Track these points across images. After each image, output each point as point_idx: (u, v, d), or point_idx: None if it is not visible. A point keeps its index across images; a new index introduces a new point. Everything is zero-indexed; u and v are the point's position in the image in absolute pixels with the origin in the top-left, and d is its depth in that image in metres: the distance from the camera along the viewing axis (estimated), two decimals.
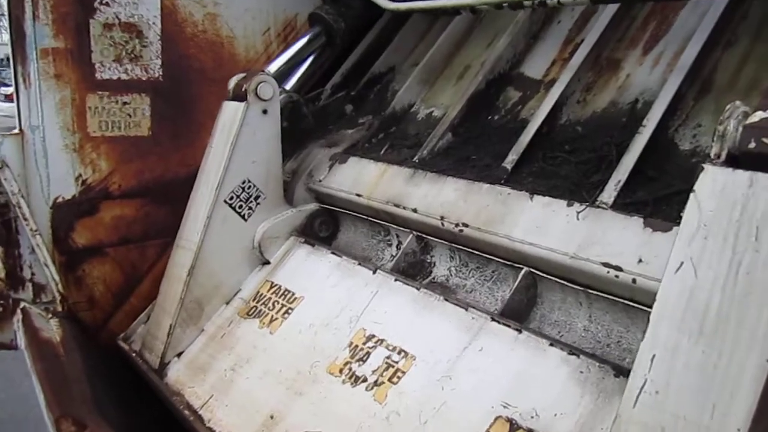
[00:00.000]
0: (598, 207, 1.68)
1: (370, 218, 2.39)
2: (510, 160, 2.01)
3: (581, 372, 1.50)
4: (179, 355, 2.46)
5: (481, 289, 2.00)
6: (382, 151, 2.50)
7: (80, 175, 2.76)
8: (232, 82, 2.49)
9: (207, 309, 2.51)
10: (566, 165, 1.92)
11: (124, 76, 2.79)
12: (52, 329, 2.61)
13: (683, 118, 1.83)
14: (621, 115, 1.98)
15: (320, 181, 2.56)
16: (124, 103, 2.81)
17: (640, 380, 1.18)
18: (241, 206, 2.47)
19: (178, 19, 2.86)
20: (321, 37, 2.91)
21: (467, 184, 2.03)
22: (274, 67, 2.79)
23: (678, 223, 1.49)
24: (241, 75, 2.49)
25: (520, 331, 1.67)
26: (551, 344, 1.60)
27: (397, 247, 2.33)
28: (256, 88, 2.38)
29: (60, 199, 2.74)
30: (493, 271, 1.99)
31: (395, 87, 2.93)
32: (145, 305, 3.00)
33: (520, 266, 1.82)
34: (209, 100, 2.92)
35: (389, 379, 1.81)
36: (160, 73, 2.86)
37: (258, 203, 2.50)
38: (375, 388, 1.82)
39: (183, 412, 2.20)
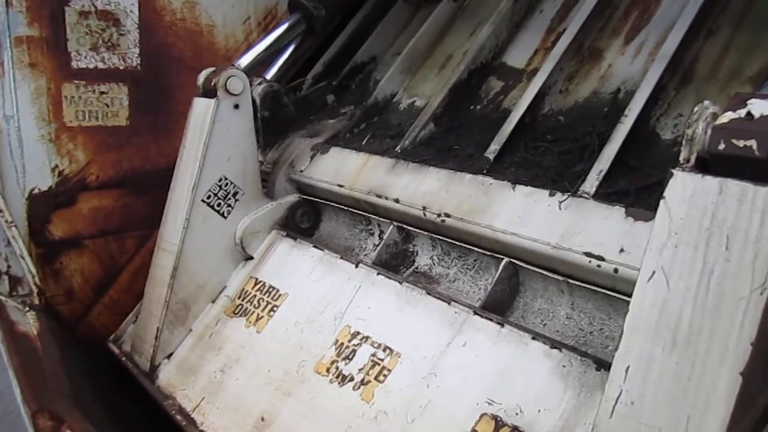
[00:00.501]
0: (580, 197, 1.68)
1: (351, 209, 2.37)
2: (492, 150, 2.00)
3: (563, 366, 1.51)
4: (169, 356, 2.44)
5: (464, 278, 2.00)
6: (364, 141, 2.48)
7: (57, 166, 2.72)
8: (201, 77, 2.42)
9: (193, 309, 2.48)
10: (548, 155, 1.92)
11: (101, 65, 2.74)
12: (29, 323, 2.57)
13: (665, 107, 1.83)
14: (603, 105, 1.98)
15: (301, 171, 2.54)
16: (102, 93, 2.76)
17: (616, 391, 1.18)
18: (219, 204, 2.43)
19: (156, 7, 2.82)
20: (301, 25, 2.85)
21: (449, 174, 2.02)
22: (252, 54, 2.74)
23: None
24: (210, 69, 2.43)
25: (502, 325, 1.67)
26: (533, 338, 1.60)
27: (379, 236, 2.31)
28: (225, 83, 2.32)
29: (36, 191, 2.69)
30: (474, 260, 1.98)
31: (377, 77, 2.91)
32: (125, 298, 2.97)
33: (501, 257, 1.81)
34: (188, 89, 2.87)
35: (375, 378, 1.82)
36: (138, 62, 2.82)
37: (237, 200, 2.46)
38: (362, 387, 1.83)
39: (175, 416, 2.19)
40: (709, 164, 1.13)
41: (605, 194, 1.66)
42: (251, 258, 2.49)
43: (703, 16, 1.88)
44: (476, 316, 1.73)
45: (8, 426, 2.33)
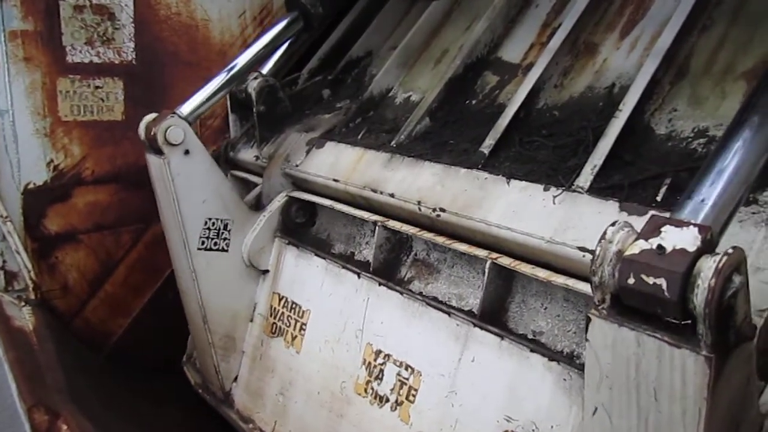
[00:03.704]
0: (575, 191, 1.68)
1: (344, 203, 2.37)
2: (487, 145, 2.00)
3: (564, 380, 1.57)
4: (235, 379, 2.67)
5: (461, 262, 2.01)
6: (360, 136, 2.48)
7: (52, 161, 2.72)
8: (142, 127, 2.38)
9: (237, 335, 2.62)
10: (543, 149, 1.92)
11: (96, 60, 2.74)
12: (24, 317, 2.57)
13: (659, 102, 1.83)
14: (598, 100, 1.97)
15: (297, 166, 2.54)
16: (97, 87, 2.76)
17: None
18: (216, 243, 2.46)
19: (151, 1, 2.82)
20: (298, 22, 2.85)
21: (444, 169, 2.02)
22: (249, 54, 2.73)
23: (654, 207, 1.52)
24: (151, 117, 2.38)
25: (502, 338, 1.74)
26: (532, 350, 1.66)
27: (373, 222, 2.31)
28: (165, 136, 2.29)
29: (31, 185, 2.70)
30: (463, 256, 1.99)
31: (373, 71, 2.90)
32: (121, 292, 2.98)
33: (485, 258, 1.82)
34: (183, 83, 2.88)
35: (406, 398, 1.97)
36: (133, 56, 2.81)
37: (229, 230, 2.48)
38: (398, 407, 2.00)
39: None
40: (621, 298, 1.07)
41: (599, 189, 1.66)
42: (267, 271, 2.58)
43: (698, 10, 1.88)
44: (476, 329, 1.81)
45: (4, 421, 2.32)
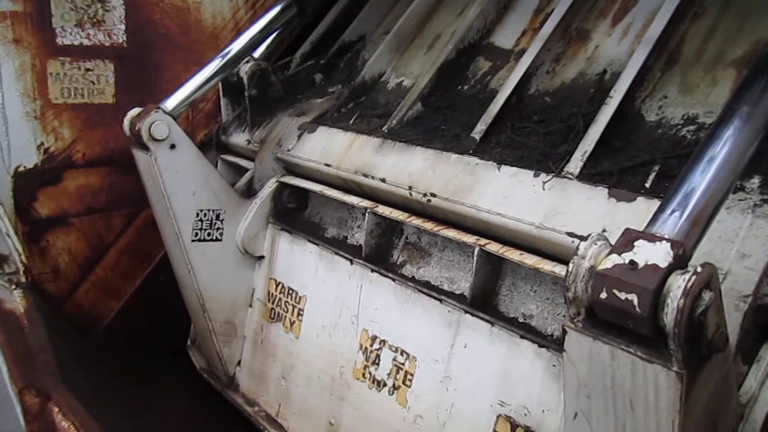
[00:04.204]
0: (564, 177, 1.69)
1: (336, 188, 2.38)
2: (479, 130, 2.00)
3: (554, 366, 1.61)
4: (239, 363, 2.73)
5: (452, 245, 2.02)
6: (352, 121, 2.48)
7: (42, 144, 2.70)
8: (127, 121, 2.38)
9: (237, 321, 2.67)
10: (534, 135, 1.92)
11: (86, 42, 2.72)
12: (15, 300, 2.57)
13: (650, 89, 1.83)
14: (589, 86, 1.98)
15: (289, 150, 2.54)
16: (87, 70, 2.74)
17: None
18: (209, 234, 2.48)
19: None
20: (292, 8, 2.83)
21: (435, 154, 2.03)
22: (243, 41, 2.71)
23: (642, 194, 1.53)
24: (135, 112, 2.38)
25: (492, 324, 1.77)
26: (522, 337, 1.69)
27: (363, 209, 2.31)
28: (149, 132, 2.28)
29: (21, 168, 2.68)
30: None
31: (365, 56, 2.89)
32: (112, 276, 2.97)
33: (473, 245, 1.83)
34: (175, 66, 2.86)
35: (403, 383, 2.02)
36: (124, 38, 2.79)
37: (222, 219, 2.50)
38: (395, 392, 2.04)
39: (262, 422, 2.52)
40: (594, 311, 1.08)
41: (589, 175, 1.67)
42: (263, 257, 2.61)
43: None
44: (468, 315, 1.84)
45: None
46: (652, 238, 1.05)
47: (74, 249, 2.89)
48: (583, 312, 1.10)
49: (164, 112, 2.36)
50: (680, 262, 1.01)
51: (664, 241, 1.03)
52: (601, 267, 1.05)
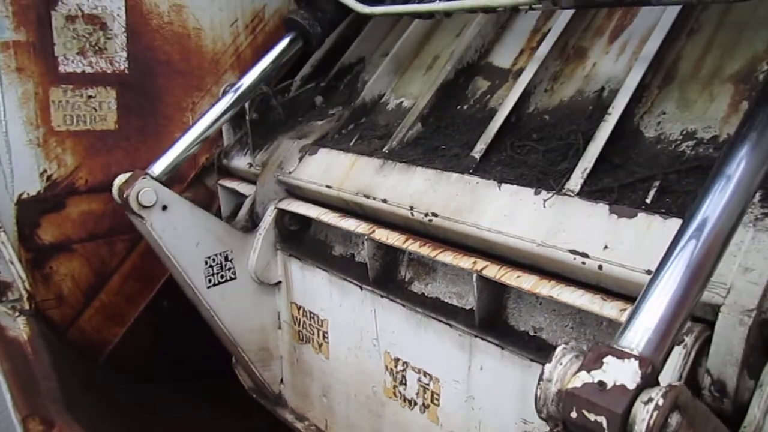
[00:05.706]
0: (565, 195, 1.69)
1: (337, 209, 2.39)
2: (479, 149, 2.01)
3: None
4: (282, 381, 2.85)
5: (452, 275, 2.02)
6: (352, 142, 2.49)
7: (45, 171, 2.72)
8: (116, 188, 2.39)
9: (270, 345, 2.77)
10: (534, 153, 1.93)
11: (88, 69, 2.74)
12: (19, 328, 2.56)
13: (648, 106, 1.84)
14: (587, 104, 1.99)
15: (290, 173, 2.55)
16: (89, 97, 2.76)
17: None
18: (222, 275, 2.52)
19: (143, 11, 2.82)
20: (297, 42, 2.82)
21: (436, 174, 2.04)
22: (251, 77, 2.72)
23: (643, 209, 1.53)
24: (123, 178, 2.39)
25: (502, 348, 1.80)
26: (532, 360, 1.71)
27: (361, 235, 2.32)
28: (137, 200, 2.29)
29: (25, 195, 2.69)
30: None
31: (365, 77, 2.91)
32: (116, 301, 2.97)
33: (471, 271, 1.83)
34: (176, 92, 2.88)
35: (432, 402, 2.08)
36: (126, 65, 2.82)
37: (231, 259, 2.54)
38: (426, 410, 2.11)
39: None
40: (567, 426, 1.08)
41: (589, 192, 1.67)
42: (279, 282, 2.67)
43: (685, 14, 1.90)
44: (478, 339, 1.87)
45: None
46: (621, 355, 1.05)
47: (78, 275, 2.89)
48: (561, 425, 1.09)
49: (151, 177, 2.36)
50: (648, 381, 1.01)
51: (633, 359, 1.03)
52: (570, 385, 1.05)
